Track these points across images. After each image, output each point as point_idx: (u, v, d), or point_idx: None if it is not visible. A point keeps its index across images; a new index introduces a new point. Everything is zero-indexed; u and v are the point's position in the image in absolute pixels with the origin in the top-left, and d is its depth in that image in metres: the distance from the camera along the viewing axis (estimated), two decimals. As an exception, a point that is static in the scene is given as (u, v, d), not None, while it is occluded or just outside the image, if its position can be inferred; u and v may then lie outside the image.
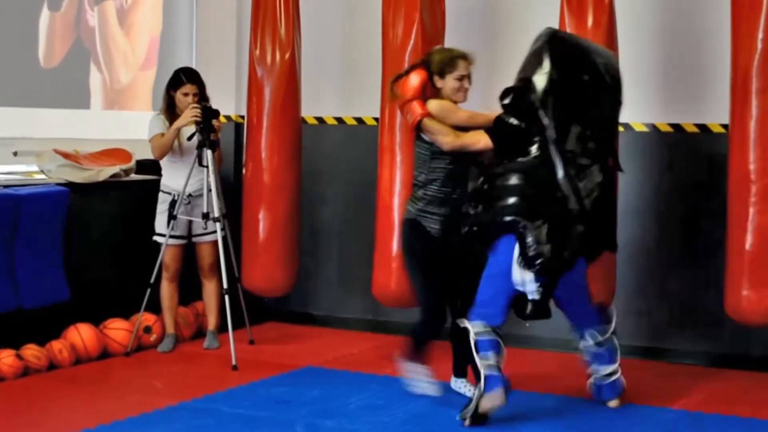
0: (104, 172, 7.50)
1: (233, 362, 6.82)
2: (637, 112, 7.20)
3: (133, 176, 7.79)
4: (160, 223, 7.39)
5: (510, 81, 7.48)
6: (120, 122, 8.26)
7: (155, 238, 7.41)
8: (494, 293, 5.75)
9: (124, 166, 7.69)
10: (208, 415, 5.76)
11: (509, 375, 6.66)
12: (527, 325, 7.54)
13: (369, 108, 8.02)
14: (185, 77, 7.37)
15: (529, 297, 5.71)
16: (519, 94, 5.88)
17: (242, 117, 8.42)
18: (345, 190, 8.25)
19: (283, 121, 7.50)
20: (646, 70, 7.28)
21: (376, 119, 7.97)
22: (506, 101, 5.91)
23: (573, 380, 6.61)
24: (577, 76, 5.82)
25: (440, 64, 5.99)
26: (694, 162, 7.22)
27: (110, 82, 8.22)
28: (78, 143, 7.67)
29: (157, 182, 7.49)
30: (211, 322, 7.53)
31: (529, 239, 5.59)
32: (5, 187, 6.85)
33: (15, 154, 7.36)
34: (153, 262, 7.30)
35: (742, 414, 5.92)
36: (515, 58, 7.48)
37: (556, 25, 6.69)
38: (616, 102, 5.93)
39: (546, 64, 5.81)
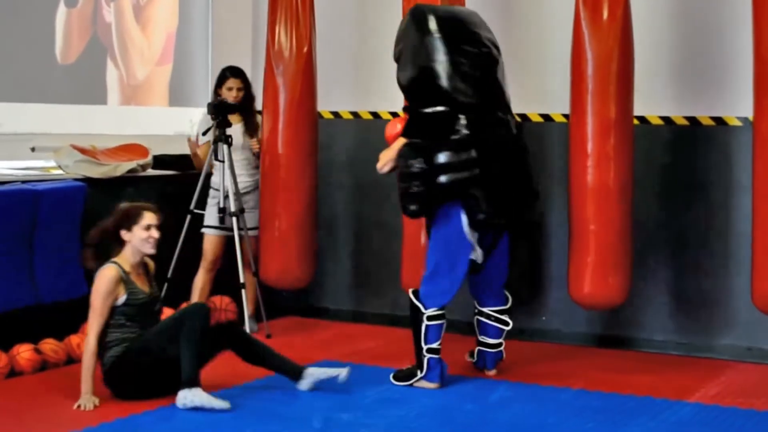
0: (121, 167, 7.53)
1: (251, 356, 6.84)
2: (652, 104, 7.19)
3: (150, 171, 7.82)
4: (209, 215, 7.49)
5: (528, 73, 7.57)
6: (136, 118, 8.29)
7: (203, 230, 7.60)
8: (451, 264, 6.20)
9: (141, 162, 7.71)
10: (225, 409, 5.78)
11: (527, 368, 6.70)
12: (543, 318, 7.59)
13: (385, 102, 8.04)
14: (229, 72, 7.58)
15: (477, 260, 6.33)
16: (424, 83, 6.22)
17: (259, 112, 8.43)
18: (361, 185, 8.26)
19: (299, 115, 7.52)
20: (661, 62, 7.26)
21: (392, 114, 7.99)
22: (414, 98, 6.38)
23: (590, 374, 6.62)
24: (471, 51, 6.22)
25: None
26: (710, 155, 7.20)
27: (127, 77, 8.25)
28: (95, 139, 7.70)
29: (174, 177, 7.57)
30: (249, 308, 7.60)
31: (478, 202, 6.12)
32: (23, 182, 6.88)
33: (33, 149, 7.40)
34: (171, 256, 7.33)
35: (759, 407, 5.91)
36: (532, 50, 7.55)
37: (570, 18, 6.68)
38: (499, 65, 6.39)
39: (440, 48, 6.18)
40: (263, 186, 7.63)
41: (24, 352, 6.55)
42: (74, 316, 7.12)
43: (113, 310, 5.91)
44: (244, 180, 7.61)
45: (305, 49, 7.54)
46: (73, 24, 7.79)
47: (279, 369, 6.12)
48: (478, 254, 6.32)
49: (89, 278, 7.04)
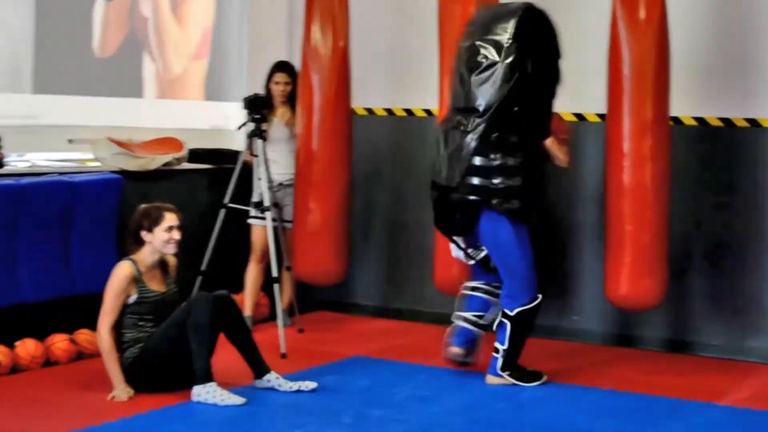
0: (157, 160, 7.58)
1: (282, 350, 6.88)
2: (686, 105, 7.18)
3: (185, 165, 7.87)
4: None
5: (570, 74, 7.57)
6: (172, 111, 8.34)
7: (249, 221, 7.70)
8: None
9: (177, 155, 7.77)
10: (257, 402, 5.81)
11: (557, 368, 6.72)
12: (574, 317, 7.59)
13: (419, 99, 8.06)
14: (276, 67, 7.72)
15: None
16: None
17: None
18: (394, 181, 8.29)
19: (334, 112, 7.55)
20: (696, 64, 7.25)
21: (426, 111, 8.02)
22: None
23: (620, 374, 6.63)
24: None
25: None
26: (744, 157, 7.19)
27: (163, 71, 8.31)
28: (131, 131, 7.76)
29: (208, 171, 7.63)
30: (284, 301, 7.65)
31: None
32: (60, 174, 6.95)
33: (70, 141, 7.46)
34: (204, 249, 7.38)
35: (791, 411, 5.91)
36: (569, 51, 7.51)
37: (607, 20, 6.69)
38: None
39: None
40: (297, 181, 7.66)
41: (59, 342, 6.63)
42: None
43: (125, 308, 5.97)
44: (290, 172, 7.69)
45: (340, 46, 7.57)
46: (111, 18, 7.85)
47: (248, 358, 6.07)
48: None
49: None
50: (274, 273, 7.15)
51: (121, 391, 5.82)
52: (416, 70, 8.05)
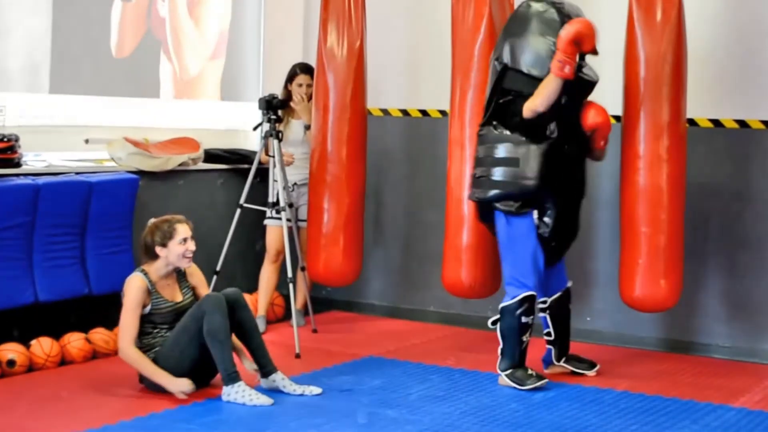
0: (173, 160, 7.61)
1: (297, 350, 6.91)
2: (701, 107, 7.17)
3: (201, 165, 7.90)
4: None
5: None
6: (189, 112, 8.37)
7: (266, 221, 7.75)
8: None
9: (193, 155, 7.80)
10: (267, 408, 5.84)
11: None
12: (588, 319, 7.59)
13: (434, 100, 8.07)
14: (299, 69, 7.79)
15: None
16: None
17: (309, 108, 8.49)
18: (409, 182, 8.30)
19: (350, 112, 7.57)
20: (712, 65, 7.24)
21: (441, 112, 8.03)
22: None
23: (634, 375, 6.63)
24: None
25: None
26: (760, 159, 7.18)
27: (180, 72, 8.33)
28: (148, 132, 7.79)
29: (224, 171, 7.66)
30: (299, 301, 7.66)
31: None
32: (77, 174, 6.98)
33: (87, 141, 7.49)
34: (220, 249, 7.40)
35: (805, 413, 5.90)
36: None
37: (623, 20, 6.68)
38: None
39: None
40: (312, 182, 7.69)
41: (75, 341, 6.66)
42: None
43: (141, 317, 5.98)
44: (305, 173, 7.75)
45: (356, 47, 7.59)
46: (128, 18, 7.88)
47: (256, 357, 6.06)
48: None
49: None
50: (290, 273, 7.17)
51: (180, 384, 5.82)
52: (431, 71, 8.06)
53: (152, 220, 6.09)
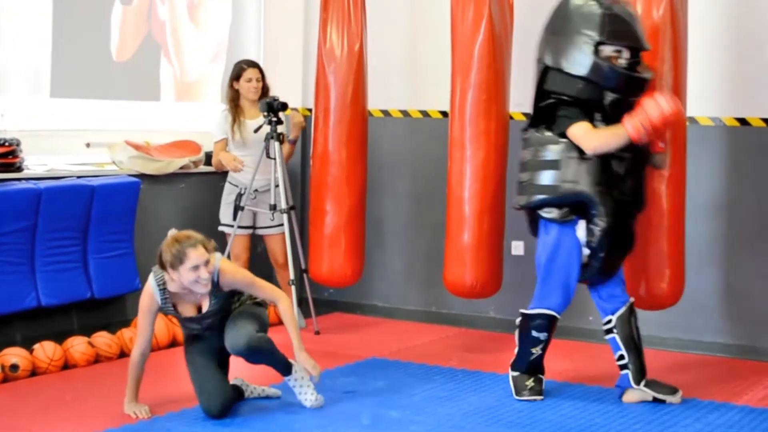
0: (174, 163, 7.63)
1: (299, 352, 6.90)
2: (702, 105, 7.17)
3: (202, 167, 7.92)
4: (226, 214, 7.55)
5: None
6: (189, 114, 8.38)
7: (221, 228, 7.55)
8: None
9: (194, 158, 7.82)
10: (274, 404, 5.84)
11: (574, 368, 6.73)
12: (590, 318, 7.59)
13: (434, 101, 8.07)
14: (246, 64, 7.54)
15: None
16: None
17: (309, 110, 8.50)
18: (410, 183, 8.31)
19: (350, 113, 7.58)
20: (712, 62, 7.24)
21: (441, 112, 8.03)
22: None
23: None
24: None
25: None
26: (759, 157, 7.18)
27: (180, 75, 8.34)
28: (149, 135, 7.80)
29: (226, 173, 7.63)
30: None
31: None
32: (78, 177, 7.00)
33: (88, 145, 7.50)
34: (222, 251, 7.40)
35: (808, 411, 5.90)
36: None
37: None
38: None
39: None
40: (313, 183, 7.69)
41: (78, 345, 6.66)
42: (127, 310, 7.26)
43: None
44: (267, 177, 7.47)
45: (356, 48, 7.59)
46: (129, 22, 7.89)
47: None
48: None
49: (142, 273, 7.18)
50: (291, 275, 7.17)
51: (127, 407, 5.63)
52: (432, 72, 8.06)
53: (171, 234, 5.53)
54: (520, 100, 7.58)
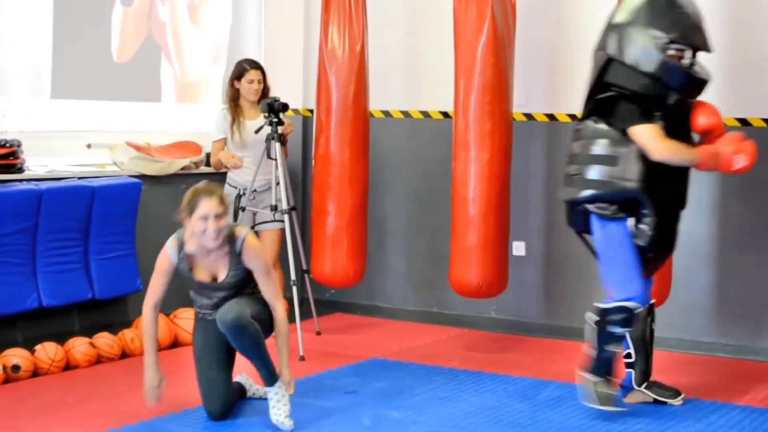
0: (175, 164, 7.63)
1: (300, 353, 6.91)
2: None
3: (203, 168, 7.91)
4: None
5: (580, 73, 7.58)
6: (190, 115, 8.38)
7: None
8: None
9: (195, 159, 7.82)
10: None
11: (575, 368, 6.71)
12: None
13: (435, 102, 8.08)
14: (248, 65, 7.48)
15: None
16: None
17: (310, 111, 8.51)
18: (411, 183, 8.31)
19: (352, 114, 7.58)
20: (711, 62, 7.23)
21: (442, 113, 8.03)
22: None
23: (638, 375, 6.63)
24: None
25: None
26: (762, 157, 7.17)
27: (181, 76, 8.34)
28: (150, 136, 7.81)
29: (225, 174, 7.62)
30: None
31: None
32: (79, 178, 7.00)
33: (89, 146, 7.50)
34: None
35: (810, 410, 5.90)
36: (585, 51, 7.52)
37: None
38: None
39: None
40: (315, 184, 7.69)
41: (79, 346, 6.66)
42: (128, 310, 7.26)
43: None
44: (266, 178, 7.39)
45: (358, 49, 7.59)
46: (129, 23, 7.89)
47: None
48: None
49: (144, 274, 7.18)
50: (293, 275, 7.16)
51: (148, 382, 5.51)
52: (433, 72, 8.07)
53: (197, 185, 5.47)
54: (523, 100, 7.62)
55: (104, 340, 6.80)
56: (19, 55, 7.12)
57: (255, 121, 7.38)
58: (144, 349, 5.61)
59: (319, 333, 7.67)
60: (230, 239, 5.48)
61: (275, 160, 7.34)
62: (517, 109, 7.43)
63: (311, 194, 7.81)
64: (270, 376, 5.48)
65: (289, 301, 7.58)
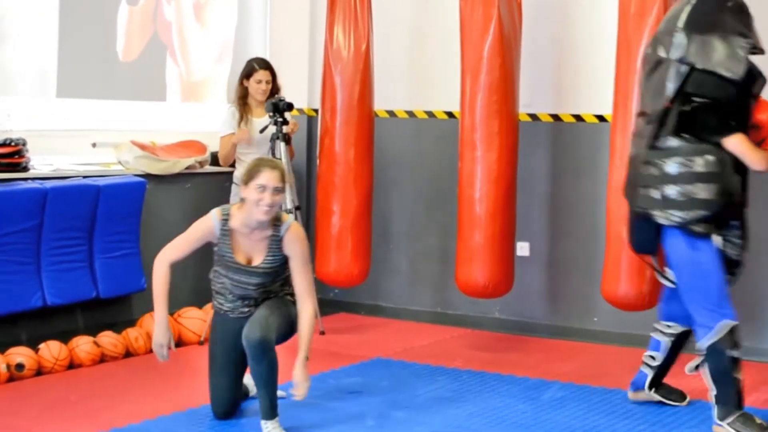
0: (180, 163, 7.64)
1: (304, 352, 6.91)
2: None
3: (208, 168, 7.92)
4: None
5: (585, 74, 7.59)
6: (195, 114, 8.38)
7: None
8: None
9: (199, 158, 7.83)
10: (280, 404, 5.84)
11: (578, 369, 6.71)
12: (595, 319, 7.59)
13: (440, 102, 8.08)
14: (258, 65, 7.49)
15: None
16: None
17: (315, 110, 8.51)
18: (415, 184, 8.31)
19: (357, 114, 7.58)
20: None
21: (447, 113, 8.04)
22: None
23: (642, 376, 6.63)
24: None
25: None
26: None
27: (186, 75, 8.35)
28: (155, 135, 7.81)
29: (231, 174, 7.63)
30: None
31: None
32: (84, 177, 7.01)
33: (94, 145, 7.50)
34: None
35: (813, 412, 5.89)
36: (591, 51, 7.56)
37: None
38: None
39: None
40: (320, 183, 7.70)
41: (83, 345, 6.67)
42: (132, 309, 7.27)
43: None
44: None
45: (363, 48, 7.60)
46: (135, 22, 7.90)
47: None
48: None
49: (148, 273, 7.19)
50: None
51: (157, 337, 5.36)
52: (438, 72, 8.07)
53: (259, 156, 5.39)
54: (528, 101, 7.61)
55: (108, 339, 6.81)
56: (24, 54, 7.13)
57: (262, 119, 7.42)
58: (155, 304, 5.39)
59: (323, 333, 7.67)
60: (275, 222, 5.38)
61: (280, 159, 7.35)
62: (523, 109, 7.42)
63: (316, 194, 7.82)
64: (270, 410, 5.35)
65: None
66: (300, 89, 8.60)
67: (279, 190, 5.27)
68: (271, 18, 8.82)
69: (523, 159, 7.44)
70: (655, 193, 5.44)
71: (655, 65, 5.53)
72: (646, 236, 5.61)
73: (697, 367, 5.60)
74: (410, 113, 8.33)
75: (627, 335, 7.48)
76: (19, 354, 6.36)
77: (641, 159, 5.51)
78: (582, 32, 7.61)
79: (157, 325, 5.41)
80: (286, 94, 7.65)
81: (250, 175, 5.27)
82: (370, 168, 7.71)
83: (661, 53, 5.48)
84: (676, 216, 5.39)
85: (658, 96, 5.46)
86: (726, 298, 5.47)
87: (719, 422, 5.45)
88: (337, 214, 7.57)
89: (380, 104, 8.08)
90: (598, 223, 7.49)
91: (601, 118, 7.53)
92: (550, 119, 7.75)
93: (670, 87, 5.40)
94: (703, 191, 5.34)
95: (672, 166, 5.38)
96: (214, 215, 5.39)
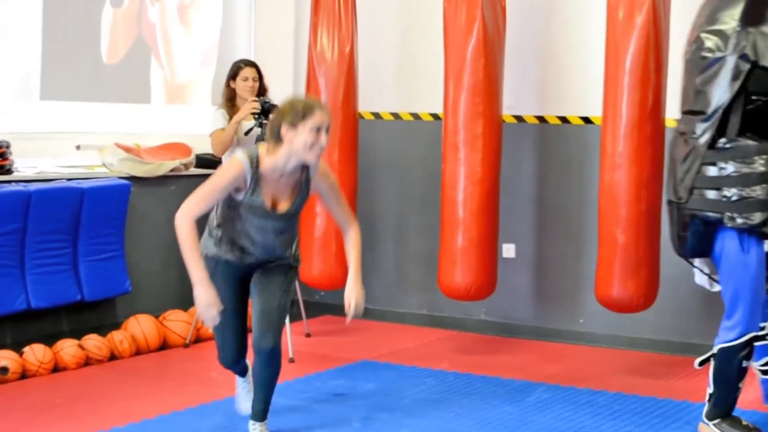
0: (164, 165, 7.61)
1: (290, 355, 6.90)
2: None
3: (193, 170, 7.89)
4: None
5: (570, 75, 7.59)
6: (180, 117, 8.36)
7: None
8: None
9: (184, 160, 7.80)
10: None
11: (565, 371, 6.71)
12: (581, 321, 7.60)
13: (425, 104, 8.08)
14: (243, 63, 7.45)
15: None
16: None
17: (300, 112, 8.49)
18: (401, 186, 8.31)
19: (341, 116, 7.57)
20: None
21: (432, 115, 8.04)
22: None
23: (627, 377, 6.63)
24: None
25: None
26: None
27: (171, 77, 8.33)
28: (139, 137, 7.79)
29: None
30: None
31: None
32: (68, 180, 6.99)
33: (78, 147, 7.48)
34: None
35: (799, 412, 5.91)
36: (576, 52, 7.56)
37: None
38: None
39: None
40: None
41: (68, 348, 6.64)
42: (117, 312, 7.24)
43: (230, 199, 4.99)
44: None
45: (347, 51, 7.59)
46: (119, 24, 7.87)
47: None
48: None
49: (133, 275, 7.18)
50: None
51: (205, 300, 4.80)
52: (423, 74, 8.07)
53: (289, 97, 5.00)
54: (513, 102, 7.62)
55: (93, 342, 6.78)
56: (8, 56, 7.10)
57: (250, 122, 7.37)
58: (190, 264, 4.81)
59: (308, 335, 7.66)
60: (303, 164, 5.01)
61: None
62: (507, 111, 7.43)
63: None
64: (262, 412, 5.25)
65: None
66: (284, 91, 8.55)
67: (328, 129, 4.93)
68: (256, 20, 8.80)
69: (509, 161, 7.45)
70: (715, 195, 5.25)
71: (709, 62, 5.26)
72: (700, 239, 5.42)
73: (701, 363, 5.50)
74: (396, 115, 8.32)
75: (613, 337, 7.49)
76: (4, 357, 6.33)
77: (697, 160, 5.29)
78: (567, 34, 7.62)
79: (198, 284, 4.81)
80: (271, 96, 7.63)
81: (302, 116, 4.84)
82: (354, 170, 7.70)
83: (715, 49, 5.24)
84: (739, 219, 5.20)
85: (715, 94, 5.23)
86: (758, 305, 5.34)
87: (707, 421, 5.44)
88: (321, 216, 7.56)
89: (366, 106, 8.08)
90: (584, 225, 7.51)
91: (586, 120, 7.54)
92: (536, 121, 7.76)
93: (732, 85, 5.18)
94: (756, 193, 5.17)
95: (732, 167, 5.20)
96: (244, 159, 4.89)
